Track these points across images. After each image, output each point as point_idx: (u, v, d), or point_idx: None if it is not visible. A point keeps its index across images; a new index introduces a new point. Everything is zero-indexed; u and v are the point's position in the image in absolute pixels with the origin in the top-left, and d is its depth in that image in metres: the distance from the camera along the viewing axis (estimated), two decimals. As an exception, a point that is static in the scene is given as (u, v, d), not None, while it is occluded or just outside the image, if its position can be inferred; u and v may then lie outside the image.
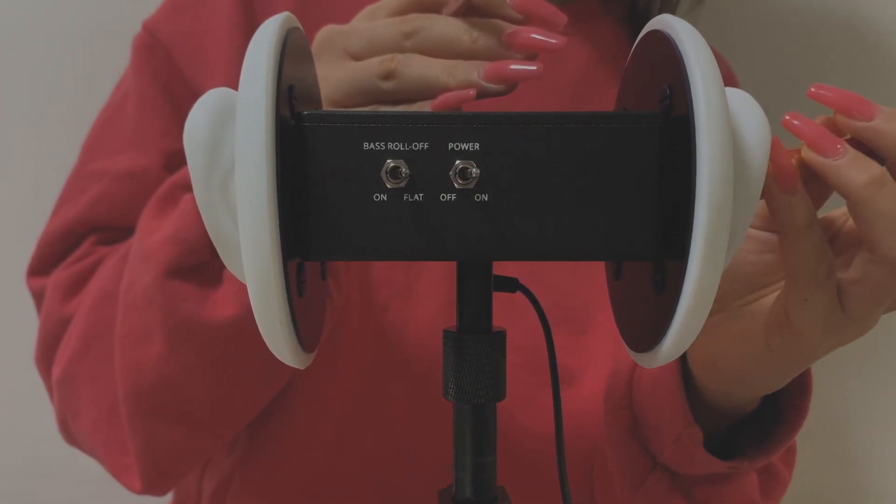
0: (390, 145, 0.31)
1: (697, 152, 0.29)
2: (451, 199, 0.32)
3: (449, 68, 0.41)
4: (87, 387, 0.58)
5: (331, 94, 0.43)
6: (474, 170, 0.31)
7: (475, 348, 0.36)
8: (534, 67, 0.40)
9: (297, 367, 0.33)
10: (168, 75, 0.63)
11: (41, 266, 0.63)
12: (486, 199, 0.32)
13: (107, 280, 0.58)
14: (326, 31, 0.45)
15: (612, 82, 0.66)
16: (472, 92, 0.41)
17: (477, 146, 0.31)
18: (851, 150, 0.37)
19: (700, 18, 0.75)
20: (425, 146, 0.31)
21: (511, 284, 0.38)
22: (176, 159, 0.62)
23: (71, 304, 0.60)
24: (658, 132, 0.32)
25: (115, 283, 0.57)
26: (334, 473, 0.60)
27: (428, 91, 0.42)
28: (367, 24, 0.45)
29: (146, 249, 0.52)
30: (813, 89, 0.38)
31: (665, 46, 0.32)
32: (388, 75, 0.42)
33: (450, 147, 0.31)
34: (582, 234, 0.32)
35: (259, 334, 0.52)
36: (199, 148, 0.32)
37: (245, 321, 0.51)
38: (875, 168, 0.37)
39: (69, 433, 0.61)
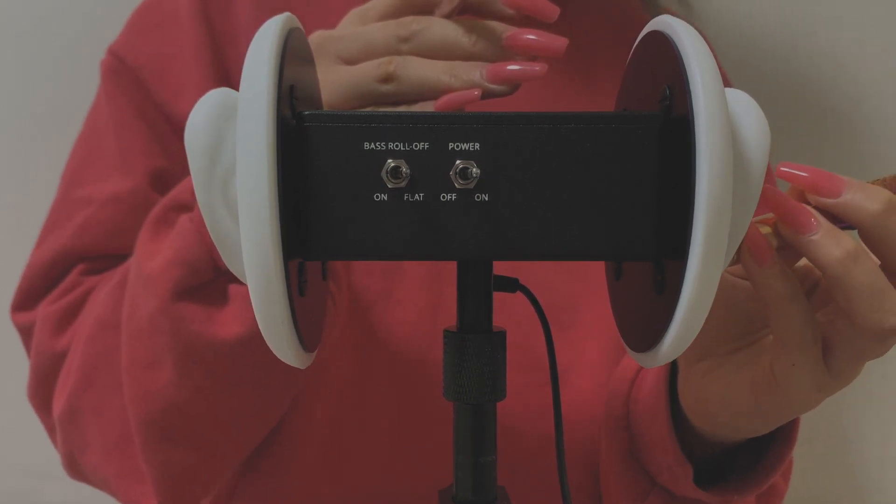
0: (391, 145, 0.31)
1: (697, 152, 0.29)
2: (451, 198, 0.32)
3: (450, 69, 0.41)
4: (94, 419, 0.57)
5: (328, 98, 0.43)
6: (475, 170, 0.31)
7: (475, 348, 0.36)
8: (537, 68, 0.40)
9: (298, 366, 0.33)
10: (139, 97, 0.62)
11: (27, 300, 0.62)
12: (487, 198, 0.32)
13: (102, 310, 0.57)
14: (318, 37, 0.45)
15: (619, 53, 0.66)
16: (477, 92, 0.40)
17: (477, 146, 0.32)
18: (825, 225, 0.37)
19: (698, 20, 0.75)
20: (426, 146, 0.31)
21: (511, 284, 0.38)
22: (161, 177, 0.62)
23: (63, 339, 0.59)
24: (658, 132, 0.32)
25: (112, 313, 0.56)
26: (329, 484, 0.60)
27: (429, 93, 0.42)
28: (360, 29, 0.44)
29: (147, 275, 0.52)
30: (783, 168, 0.39)
31: (665, 47, 0.32)
32: (386, 78, 0.42)
33: (450, 147, 0.31)
34: (582, 234, 0.32)
35: (268, 349, 0.53)
36: (200, 148, 0.32)
37: (253, 338, 0.50)
38: (848, 242, 0.37)
39: (76, 468, 0.61)
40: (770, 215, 0.39)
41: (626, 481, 0.57)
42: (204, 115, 0.32)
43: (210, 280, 0.51)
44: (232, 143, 0.31)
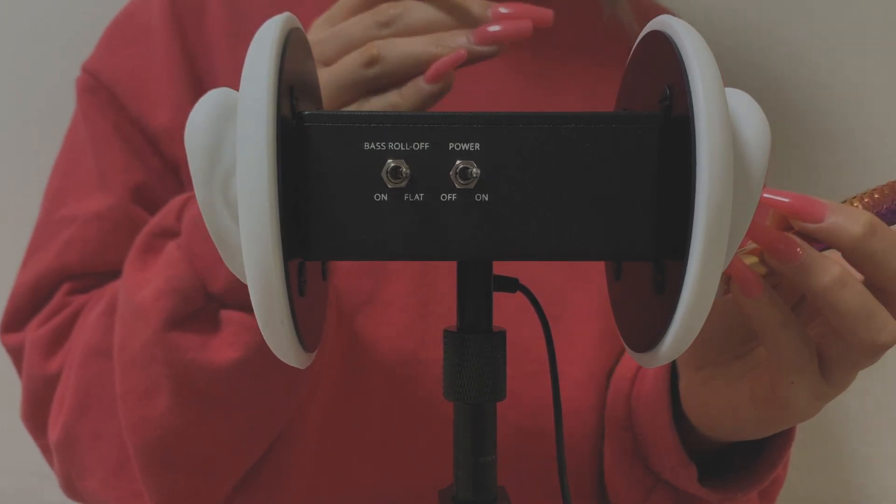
0: (391, 145, 0.31)
1: (697, 152, 0.29)
2: (451, 198, 0.32)
3: (435, 40, 0.41)
4: (91, 446, 0.57)
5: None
6: (475, 170, 0.31)
7: (476, 348, 0.36)
8: (525, 24, 0.40)
9: (298, 366, 0.33)
10: (115, 114, 0.63)
11: (15, 321, 0.62)
12: (487, 199, 0.32)
13: (91, 335, 0.57)
14: None
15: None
16: (463, 52, 0.40)
17: (478, 146, 0.32)
18: (809, 252, 0.38)
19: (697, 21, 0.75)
20: (426, 146, 0.31)
21: (511, 284, 0.38)
22: (141, 192, 0.62)
23: (54, 362, 0.59)
24: (658, 132, 0.32)
25: (102, 340, 0.56)
26: (326, 486, 0.60)
27: (417, 67, 0.42)
28: (335, 28, 0.44)
29: (138, 305, 0.52)
30: (765, 195, 0.39)
31: (665, 47, 0.32)
32: (371, 61, 0.42)
33: (450, 147, 0.31)
34: (582, 234, 0.32)
35: (264, 371, 0.52)
36: (200, 148, 0.32)
37: (249, 360, 0.51)
38: (834, 267, 0.38)
39: (75, 491, 0.61)
40: (754, 245, 0.39)
41: (630, 478, 0.58)
42: (204, 115, 0.32)
43: (202, 307, 0.51)
44: (232, 143, 0.31)
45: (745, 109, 0.33)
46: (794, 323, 0.40)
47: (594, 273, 0.61)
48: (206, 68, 0.62)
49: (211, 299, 0.51)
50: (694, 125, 0.30)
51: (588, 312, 0.62)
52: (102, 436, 0.56)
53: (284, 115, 0.30)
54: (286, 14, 0.33)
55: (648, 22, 0.34)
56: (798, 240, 0.38)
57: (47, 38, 0.80)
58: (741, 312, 0.43)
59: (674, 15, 0.33)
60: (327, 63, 0.44)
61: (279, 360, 0.52)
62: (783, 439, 0.53)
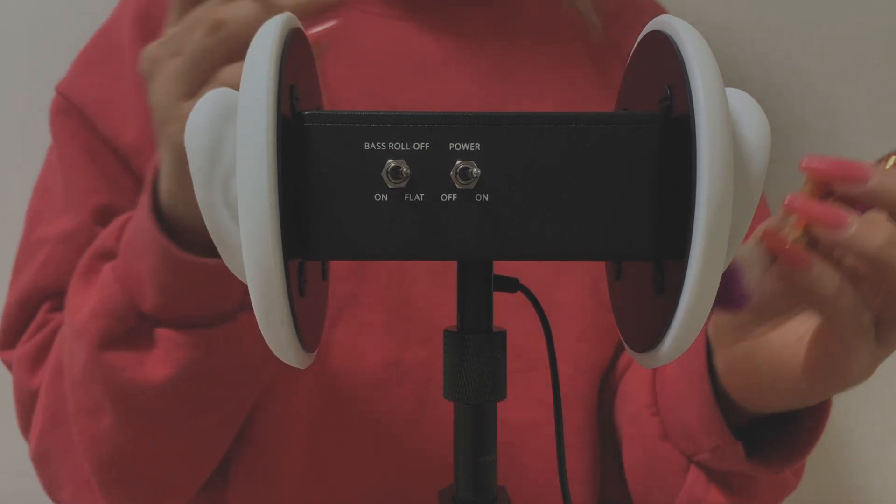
0: (391, 145, 0.31)
1: (698, 152, 0.29)
2: (451, 199, 0.32)
3: None
4: (62, 459, 0.59)
5: (169, 91, 0.44)
6: (475, 170, 0.31)
7: (476, 348, 0.36)
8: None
9: (298, 366, 0.33)
10: (86, 134, 0.63)
11: (8, 339, 0.64)
12: (487, 199, 0.32)
13: (58, 354, 0.59)
14: (146, 63, 0.46)
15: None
16: None
17: (478, 146, 0.32)
18: (857, 217, 0.37)
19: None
20: (426, 146, 0.31)
21: (511, 284, 0.38)
22: (105, 213, 0.63)
23: (37, 378, 0.61)
24: (658, 132, 0.32)
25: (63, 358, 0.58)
26: (313, 490, 0.60)
27: (266, 10, 0.42)
28: (169, 31, 0.45)
29: (76, 326, 0.53)
30: (804, 162, 0.39)
31: (665, 46, 0.32)
32: (215, 27, 0.42)
33: (451, 147, 0.31)
34: (582, 234, 0.32)
35: (201, 386, 0.53)
36: (200, 148, 0.32)
37: (183, 377, 0.51)
38: (886, 228, 0.37)
39: (57, 502, 0.62)
40: (796, 218, 0.39)
41: (661, 464, 0.57)
42: (204, 115, 0.32)
43: (135, 326, 0.52)
44: (232, 143, 0.31)
45: (746, 109, 0.33)
46: (848, 291, 0.39)
47: (579, 267, 0.61)
48: None
49: (144, 318, 0.52)
50: (694, 125, 0.30)
51: (574, 306, 0.62)
52: (71, 450, 0.58)
53: (285, 115, 0.30)
54: (286, 14, 0.33)
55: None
56: (841, 207, 0.38)
57: (50, 39, 0.80)
58: (795, 289, 0.42)
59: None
60: (181, 53, 0.44)
61: (215, 375, 0.53)
62: (821, 409, 0.52)
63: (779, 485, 0.57)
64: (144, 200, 0.50)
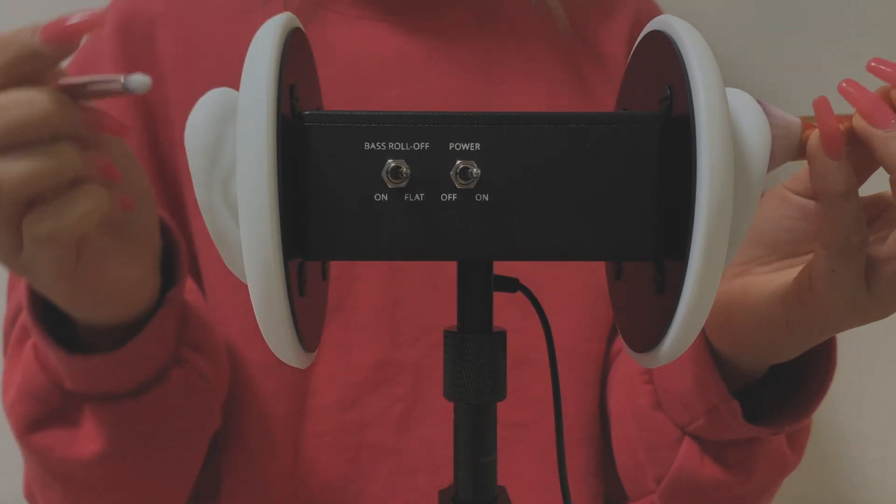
0: (391, 145, 0.31)
1: (698, 152, 0.29)
2: (451, 198, 0.32)
3: None
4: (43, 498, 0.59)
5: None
6: (475, 170, 0.31)
7: (476, 348, 0.36)
8: (96, 13, 0.38)
9: (298, 366, 0.33)
10: None
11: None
12: (487, 199, 0.32)
13: None
14: None
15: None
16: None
17: (478, 146, 0.32)
18: None
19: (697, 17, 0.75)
20: (426, 146, 0.31)
21: (511, 284, 0.38)
22: None
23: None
24: (658, 132, 0.32)
25: None
26: (305, 493, 0.60)
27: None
28: None
29: (5, 408, 0.53)
30: (873, 63, 0.38)
31: (665, 46, 0.32)
32: None
33: (451, 147, 0.31)
34: (582, 234, 0.32)
35: (137, 455, 0.52)
36: (200, 148, 0.32)
37: (113, 452, 0.51)
38: None
39: None
40: (845, 114, 0.38)
41: (654, 434, 0.57)
42: (204, 115, 0.32)
43: (59, 406, 0.51)
44: (232, 143, 0.31)
45: (746, 109, 0.33)
46: (857, 199, 0.38)
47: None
48: (157, 98, 0.62)
49: (68, 395, 0.51)
50: (694, 125, 0.30)
51: (566, 298, 0.62)
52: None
53: (285, 115, 0.30)
54: (286, 14, 0.33)
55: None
56: (894, 113, 0.37)
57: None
58: (800, 204, 0.41)
59: None
60: None
61: (152, 440, 0.53)
62: (825, 362, 0.51)
63: (778, 462, 0.56)
64: (27, 317, 0.49)
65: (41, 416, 0.51)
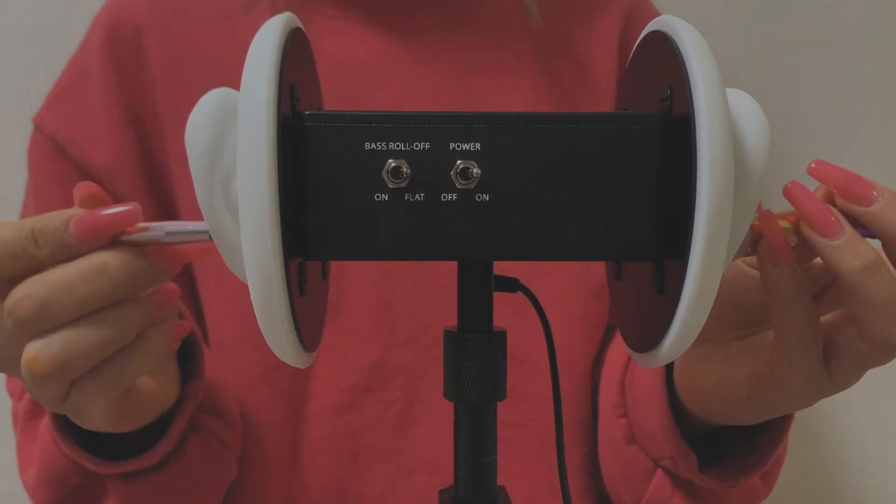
0: (392, 145, 0.31)
1: (698, 152, 0.30)
2: (452, 198, 0.32)
3: (26, 247, 0.36)
4: None
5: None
6: (475, 170, 0.31)
7: (476, 348, 0.36)
8: (128, 207, 0.36)
9: (298, 366, 0.33)
10: (57, 164, 0.63)
11: None
12: (488, 199, 0.32)
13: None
14: None
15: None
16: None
17: (478, 146, 0.32)
18: (849, 232, 0.37)
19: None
20: (426, 146, 0.31)
21: (511, 284, 0.38)
22: None
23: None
24: (659, 132, 0.32)
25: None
26: (303, 496, 0.60)
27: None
28: None
29: (27, 489, 0.53)
30: (813, 165, 0.38)
31: (665, 47, 0.32)
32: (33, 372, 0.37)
33: (451, 147, 0.31)
34: (582, 234, 0.32)
35: None
36: (200, 148, 0.32)
37: None
38: (869, 253, 0.37)
39: None
40: (792, 211, 0.38)
41: (629, 465, 0.57)
42: (204, 115, 0.32)
43: (80, 484, 0.52)
44: (232, 142, 0.31)
45: (746, 109, 0.33)
46: (808, 300, 0.39)
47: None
48: (145, 105, 0.62)
49: (90, 474, 0.51)
50: (694, 125, 0.30)
51: (559, 296, 0.62)
52: None
53: (285, 115, 0.30)
54: (287, 14, 0.33)
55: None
56: (841, 218, 0.37)
57: (51, 40, 0.80)
58: (758, 278, 0.41)
59: None
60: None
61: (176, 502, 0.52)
62: (782, 420, 0.52)
63: (749, 494, 0.57)
64: (46, 434, 0.49)
65: (64, 496, 0.52)
